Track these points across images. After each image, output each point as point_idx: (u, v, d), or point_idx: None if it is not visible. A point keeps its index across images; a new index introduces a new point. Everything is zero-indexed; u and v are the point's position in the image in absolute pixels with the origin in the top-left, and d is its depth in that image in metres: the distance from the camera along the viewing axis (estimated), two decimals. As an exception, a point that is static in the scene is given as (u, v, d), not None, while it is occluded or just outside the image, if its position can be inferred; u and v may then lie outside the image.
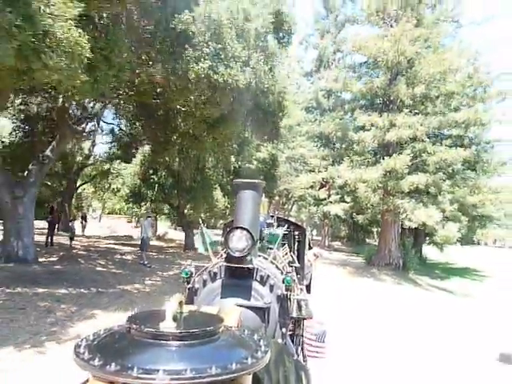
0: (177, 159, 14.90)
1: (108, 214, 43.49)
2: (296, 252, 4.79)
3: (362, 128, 16.60)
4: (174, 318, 0.98)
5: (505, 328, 8.84)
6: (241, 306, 2.09)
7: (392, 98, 16.67)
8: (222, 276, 2.41)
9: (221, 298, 2.28)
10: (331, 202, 22.37)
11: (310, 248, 5.58)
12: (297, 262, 4.37)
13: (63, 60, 4.91)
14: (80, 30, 5.04)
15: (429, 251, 29.62)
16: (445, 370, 5.60)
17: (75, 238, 15.26)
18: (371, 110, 17.75)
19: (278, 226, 4.20)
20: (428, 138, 16.64)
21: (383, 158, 15.95)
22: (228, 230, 2.33)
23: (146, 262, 12.34)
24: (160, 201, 17.01)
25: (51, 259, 10.72)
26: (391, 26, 17.73)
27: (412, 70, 16.21)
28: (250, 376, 0.99)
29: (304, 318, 2.65)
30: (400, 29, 15.77)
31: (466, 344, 7.34)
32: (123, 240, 21.18)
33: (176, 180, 15.87)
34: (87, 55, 5.22)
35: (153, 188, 16.12)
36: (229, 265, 2.34)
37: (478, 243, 48.79)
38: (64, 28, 4.81)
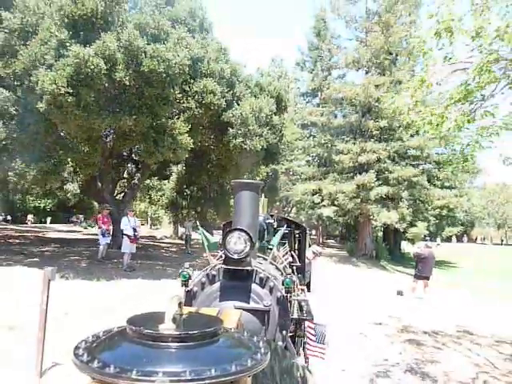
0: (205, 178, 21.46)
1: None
2: (297, 251, 5.01)
3: (342, 152, 23.26)
4: (174, 320, 1.02)
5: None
6: (240, 308, 2.13)
7: (364, 130, 23.34)
8: (221, 278, 2.51)
9: (219, 300, 2.37)
10: (324, 206, 28.90)
11: (309, 246, 5.97)
12: (297, 261, 4.59)
13: (184, 152, 11.63)
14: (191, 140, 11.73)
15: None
16: (366, 301, 12.15)
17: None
18: (350, 134, 24.44)
19: (278, 225, 4.30)
20: (392, 159, 23.30)
21: (357, 175, 22.65)
22: (226, 231, 2.42)
23: (189, 251, 19.02)
24: (190, 208, 23.70)
25: (133, 249, 17.36)
26: (366, 72, 24.45)
27: (378, 108, 22.85)
28: (250, 378, 1.04)
29: (305, 320, 2.71)
30: (368, 79, 22.46)
31: (387, 293, 13.97)
32: (152, 239, 27.86)
33: (203, 192, 22.46)
34: (191, 146, 11.94)
35: (186, 199, 22.81)
36: (227, 267, 2.44)
37: (462, 240, 55.55)
38: (185, 140, 11.51)
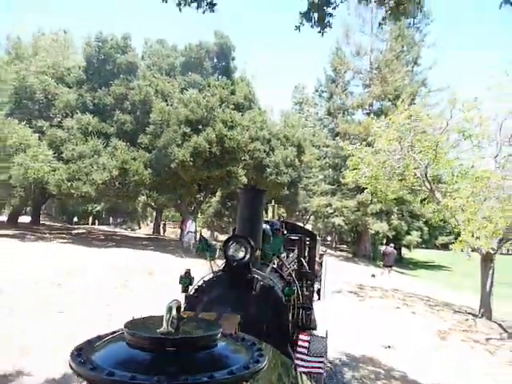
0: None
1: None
2: (307, 258, 5.30)
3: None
4: (171, 325, 1.07)
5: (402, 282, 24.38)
6: (239, 316, 2.20)
7: (364, 159, 32.35)
8: (221, 285, 2.68)
9: (218, 307, 2.48)
10: (337, 216, 37.90)
11: None
12: (307, 268, 4.91)
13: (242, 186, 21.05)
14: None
15: (424, 254, 44.84)
16: (347, 278, 21.20)
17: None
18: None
19: (288, 232, 4.67)
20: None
21: (357, 194, 31.62)
22: (226, 238, 2.58)
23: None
24: (231, 217, 33.15)
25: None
26: (367, 113, 33.47)
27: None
28: (248, 383, 1.08)
29: (308, 329, 2.91)
30: (368, 120, 31.44)
31: (367, 277, 22.99)
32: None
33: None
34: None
35: (228, 209, 32.30)
36: (228, 274, 2.63)
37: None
38: (243, 180, 20.93)
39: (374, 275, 22.69)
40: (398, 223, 31.95)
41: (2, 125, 18.29)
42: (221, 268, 2.88)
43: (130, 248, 20.09)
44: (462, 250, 12.41)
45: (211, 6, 4.66)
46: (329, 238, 55.34)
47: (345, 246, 55.18)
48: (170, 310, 1.07)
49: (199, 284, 2.84)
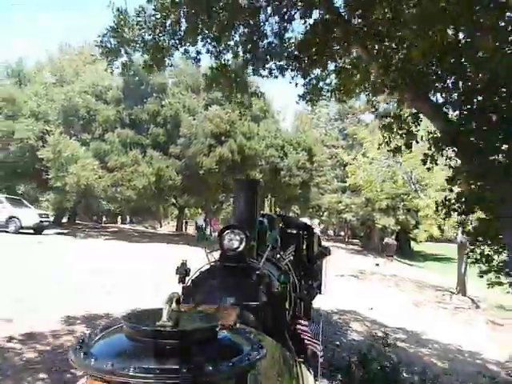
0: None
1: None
2: (305, 252, 5.50)
3: (355, 175, 35.62)
4: (171, 317, 1.09)
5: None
6: (236, 305, 2.25)
7: (371, 159, 35.64)
8: (217, 276, 2.76)
9: (215, 297, 2.56)
10: (347, 211, 41.27)
11: (319, 245, 7.17)
12: (306, 261, 5.15)
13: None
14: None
15: (435, 247, 47.92)
16: (353, 267, 24.70)
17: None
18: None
19: (285, 226, 4.80)
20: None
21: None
22: (222, 228, 2.66)
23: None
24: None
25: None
26: (375, 116, 36.75)
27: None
28: (248, 375, 1.13)
29: (303, 317, 2.98)
30: (373, 124, 34.73)
31: (371, 265, 26.46)
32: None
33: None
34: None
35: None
36: (224, 264, 2.72)
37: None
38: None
39: (377, 264, 26.14)
40: (404, 218, 35.18)
41: (57, 141, 22.23)
42: (217, 258, 3.00)
43: (164, 243, 23.88)
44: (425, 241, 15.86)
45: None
46: (342, 233, 58.87)
47: (356, 241, 58.56)
48: (169, 302, 1.12)
49: (196, 274, 2.95)
